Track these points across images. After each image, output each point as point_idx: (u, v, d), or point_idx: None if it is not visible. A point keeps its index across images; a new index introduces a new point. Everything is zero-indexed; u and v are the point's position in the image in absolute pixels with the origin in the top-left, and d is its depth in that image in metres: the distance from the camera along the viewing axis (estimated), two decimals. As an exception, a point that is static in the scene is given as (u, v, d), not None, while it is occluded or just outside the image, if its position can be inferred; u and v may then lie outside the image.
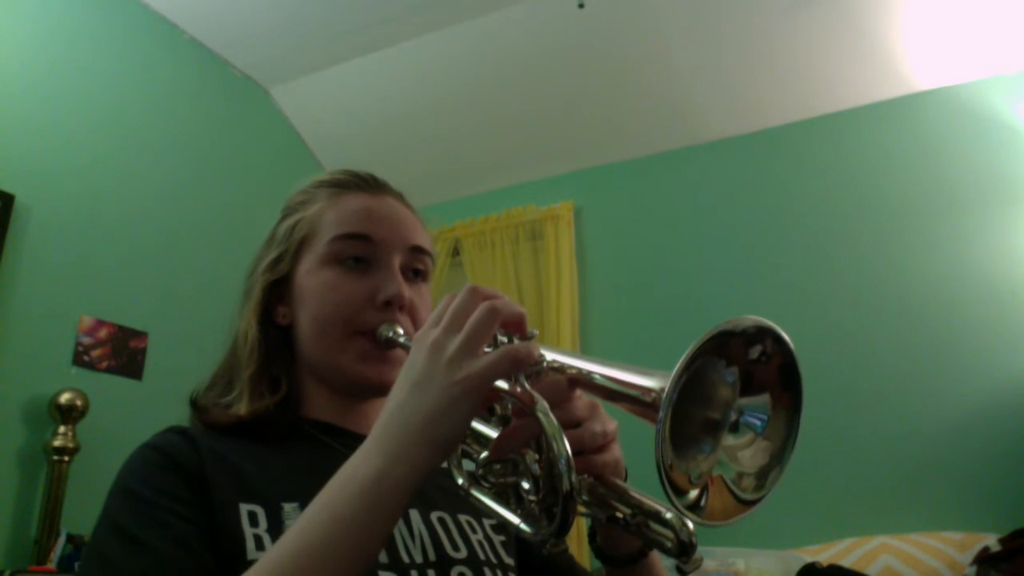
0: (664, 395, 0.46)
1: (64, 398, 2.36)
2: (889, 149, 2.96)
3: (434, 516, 0.76)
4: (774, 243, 3.07)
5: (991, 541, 2.19)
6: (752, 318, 0.48)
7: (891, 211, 2.89)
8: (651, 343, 3.11)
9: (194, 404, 0.80)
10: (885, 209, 2.90)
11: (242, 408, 0.76)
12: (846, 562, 2.28)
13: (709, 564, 2.37)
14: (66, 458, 2.33)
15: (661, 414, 0.46)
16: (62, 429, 2.34)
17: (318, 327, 0.79)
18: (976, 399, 2.56)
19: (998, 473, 2.46)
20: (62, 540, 2.23)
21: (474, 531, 0.78)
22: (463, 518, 0.79)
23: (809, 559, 2.27)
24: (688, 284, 3.17)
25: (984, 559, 2.11)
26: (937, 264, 2.76)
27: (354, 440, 0.78)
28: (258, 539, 0.64)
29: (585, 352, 3.24)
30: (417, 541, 0.72)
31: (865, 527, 2.48)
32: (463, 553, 0.74)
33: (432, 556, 0.72)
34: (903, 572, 2.23)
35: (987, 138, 2.78)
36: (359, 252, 0.80)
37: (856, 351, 2.77)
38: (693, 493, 0.49)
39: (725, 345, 0.49)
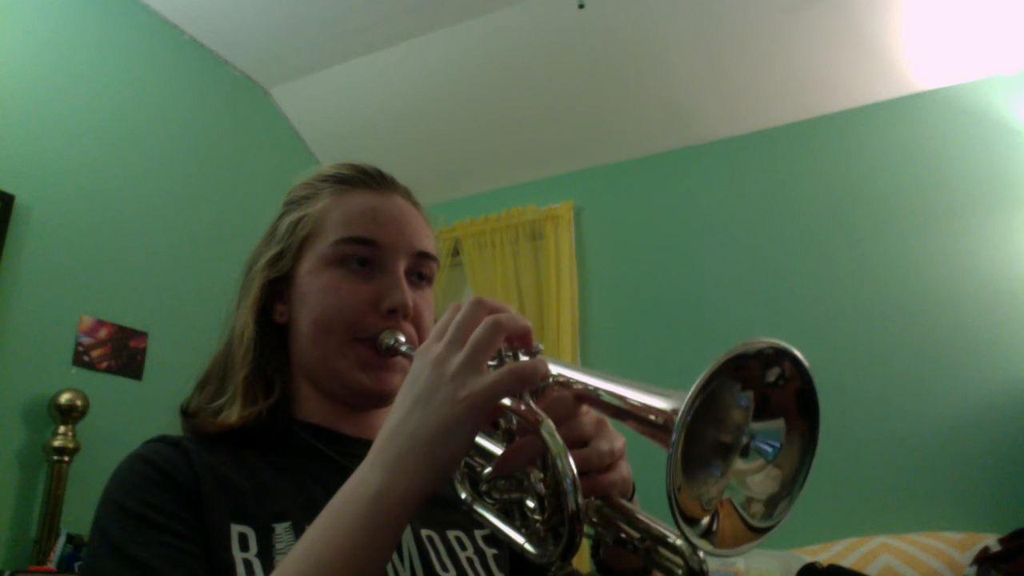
0: (678, 418, 0.44)
1: (64, 398, 2.36)
2: (889, 149, 2.96)
3: (423, 533, 0.75)
4: (774, 243, 3.07)
5: (991, 541, 2.19)
6: (768, 340, 0.46)
7: (891, 211, 2.89)
8: (651, 343, 3.11)
9: (184, 412, 0.79)
10: (885, 209, 2.90)
11: (234, 414, 0.75)
12: (846, 562, 2.28)
13: (709, 564, 2.37)
14: (66, 458, 2.32)
15: (674, 438, 0.44)
16: (62, 429, 2.34)
17: (318, 330, 0.77)
18: (976, 399, 2.56)
19: (998, 473, 2.46)
20: (62, 540, 2.23)
21: (463, 548, 0.77)
22: (452, 534, 0.77)
23: (809, 559, 2.27)
24: (688, 284, 3.17)
25: (984, 559, 2.11)
26: (937, 264, 2.76)
27: (349, 446, 0.77)
28: (248, 564, 0.63)
29: (585, 352, 3.25)
30: (406, 562, 0.71)
31: (865, 527, 2.48)
32: (452, 573, 0.73)
33: None
34: (903, 572, 2.23)
35: (987, 138, 2.78)
36: (363, 256, 0.78)
37: (856, 351, 2.77)
38: (705, 520, 0.48)
39: (740, 367, 0.47)
